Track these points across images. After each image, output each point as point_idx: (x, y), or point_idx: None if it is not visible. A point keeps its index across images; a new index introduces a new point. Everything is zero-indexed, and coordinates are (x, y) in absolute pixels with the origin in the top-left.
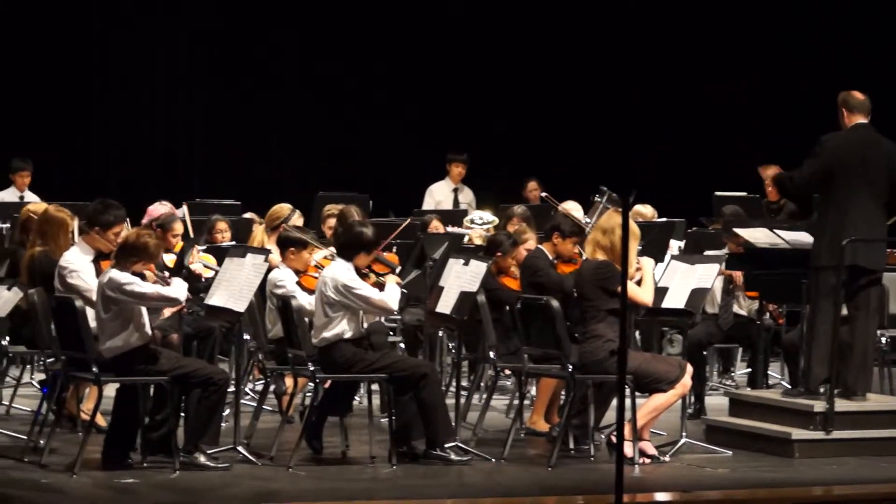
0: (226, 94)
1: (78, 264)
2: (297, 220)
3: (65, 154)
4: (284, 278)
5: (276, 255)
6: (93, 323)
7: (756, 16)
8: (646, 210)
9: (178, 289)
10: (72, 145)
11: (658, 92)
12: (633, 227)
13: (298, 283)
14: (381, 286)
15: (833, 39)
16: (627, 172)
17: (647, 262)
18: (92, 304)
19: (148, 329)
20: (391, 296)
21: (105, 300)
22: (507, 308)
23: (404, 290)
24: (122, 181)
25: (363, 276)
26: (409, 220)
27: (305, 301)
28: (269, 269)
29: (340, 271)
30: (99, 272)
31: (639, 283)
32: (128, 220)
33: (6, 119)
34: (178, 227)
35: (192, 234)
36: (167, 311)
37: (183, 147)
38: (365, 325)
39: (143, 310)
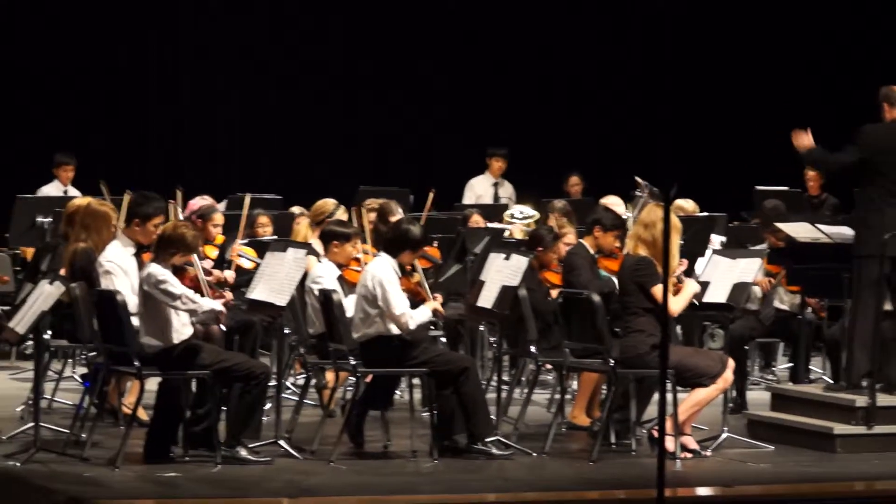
0: (267, 89)
1: (117, 264)
2: (342, 215)
3: (107, 149)
4: (325, 273)
5: (319, 251)
6: (136, 321)
7: (799, 8)
8: (687, 204)
9: (209, 302)
10: (114, 140)
11: (700, 86)
12: (675, 221)
13: (341, 278)
14: (418, 294)
15: (875, 33)
16: (669, 166)
17: (691, 284)
18: (126, 306)
19: (189, 324)
20: (415, 316)
21: (147, 295)
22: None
23: (436, 320)
24: (163, 176)
25: (407, 274)
26: (432, 194)
27: (345, 296)
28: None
29: (383, 267)
30: (141, 265)
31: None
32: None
33: (50, 114)
34: (219, 218)
35: (241, 228)
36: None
37: (224, 142)
38: None
39: None
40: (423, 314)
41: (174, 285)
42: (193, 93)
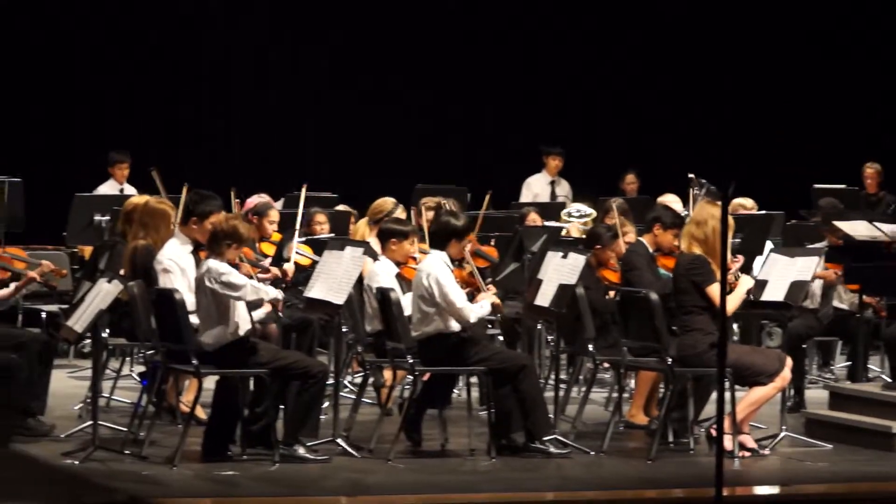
0: (326, 89)
1: (175, 262)
2: (400, 213)
3: (165, 147)
4: (382, 271)
5: (376, 249)
6: (194, 319)
7: (859, 7)
8: (748, 202)
9: (269, 290)
10: (171, 138)
11: (758, 84)
12: (728, 220)
13: (398, 276)
14: (475, 287)
15: None
16: (727, 165)
17: (745, 281)
18: (183, 304)
19: (248, 321)
20: (475, 309)
21: (205, 291)
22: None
23: (494, 317)
24: (220, 174)
25: (459, 267)
26: (489, 196)
27: (403, 294)
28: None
29: (436, 264)
30: (198, 263)
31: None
32: None
33: (106, 111)
34: (274, 215)
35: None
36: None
37: (281, 140)
38: None
39: (242, 301)
40: (483, 308)
41: (236, 276)
42: (248, 92)
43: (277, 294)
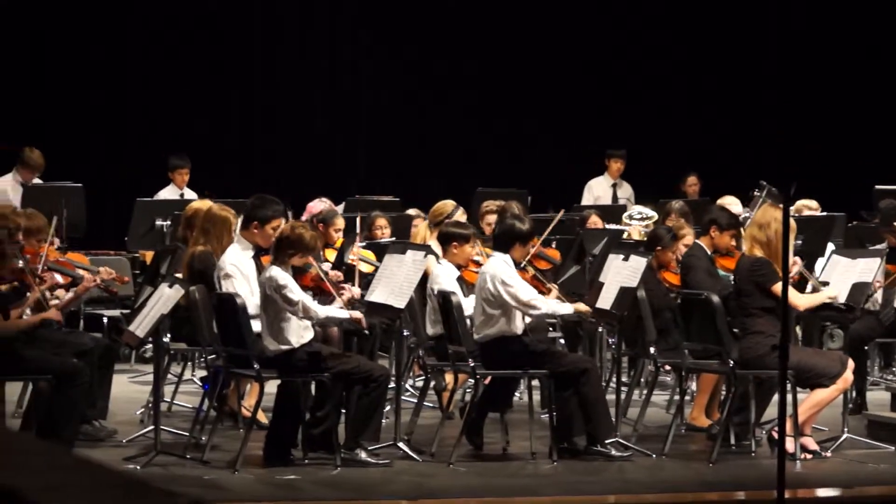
0: (385, 92)
1: (237, 268)
2: (461, 216)
3: (224, 151)
4: (444, 274)
5: (433, 258)
6: (255, 324)
7: None
8: (812, 203)
9: (327, 311)
10: (230, 142)
11: (819, 84)
12: (790, 222)
13: (460, 279)
14: (540, 290)
15: None
16: (788, 166)
17: (829, 290)
18: (245, 309)
19: (309, 328)
20: (549, 305)
21: (267, 297)
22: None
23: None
24: (281, 178)
25: (521, 270)
26: (560, 213)
27: (466, 303)
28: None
29: (499, 266)
30: (259, 267)
31: (797, 285)
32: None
33: (167, 117)
34: (340, 223)
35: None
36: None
37: (342, 144)
38: (526, 321)
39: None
40: (563, 307)
41: (293, 291)
42: (311, 95)
43: (339, 314)
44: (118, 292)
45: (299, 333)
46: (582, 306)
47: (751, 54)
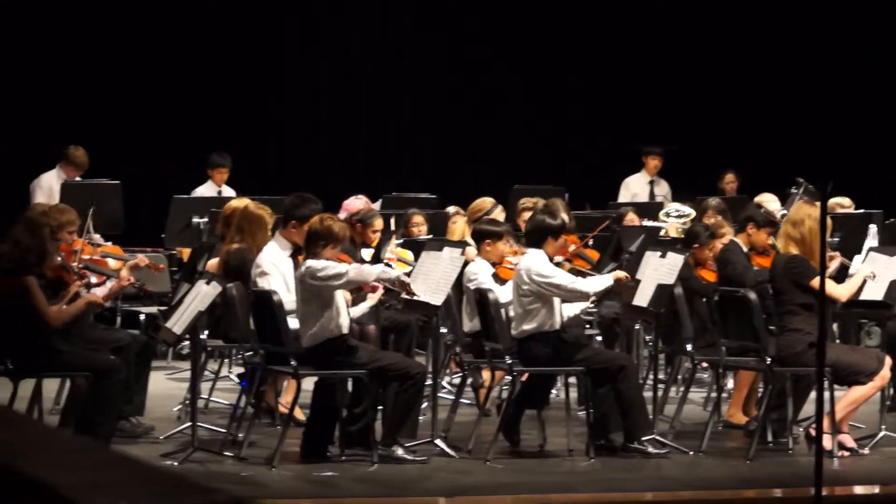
0: (422, 90)
1: (274, 265)
2: (499, 214)
3: (261, 149)
4: (479, 271)
5: (473, 249)
6: (292, 321)
7: None
8: (845, 201)
9: (376, 269)
10: (268, 141)
11: (856, 82)
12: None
13: (494, 275)
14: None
15: None
16: (825, 163)
17: (863, 269)
18: (282, 306)
19: (346, 319)
20: (592, 283)
21: (304, 291)
22: (703, 299)
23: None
24: (317, 176)
25: (557, 265)
26: (607, 223)
27: (501, 293)
28: (465, 263)
29: (533, 260)
30: (297, 266)
31: (836, 276)
32: None
33: (205, 115)
34: (379, 223)
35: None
36: (370, 299)
37: (379, 142)
38: (564, 317)
39: (341, 299)
40: (605, 280)
41: (334, 266)
42: (350, 93)
43: (380, 272)
44: (150, 290)
45: (338, 325)
46: (620, 273)
47: (789, 53)
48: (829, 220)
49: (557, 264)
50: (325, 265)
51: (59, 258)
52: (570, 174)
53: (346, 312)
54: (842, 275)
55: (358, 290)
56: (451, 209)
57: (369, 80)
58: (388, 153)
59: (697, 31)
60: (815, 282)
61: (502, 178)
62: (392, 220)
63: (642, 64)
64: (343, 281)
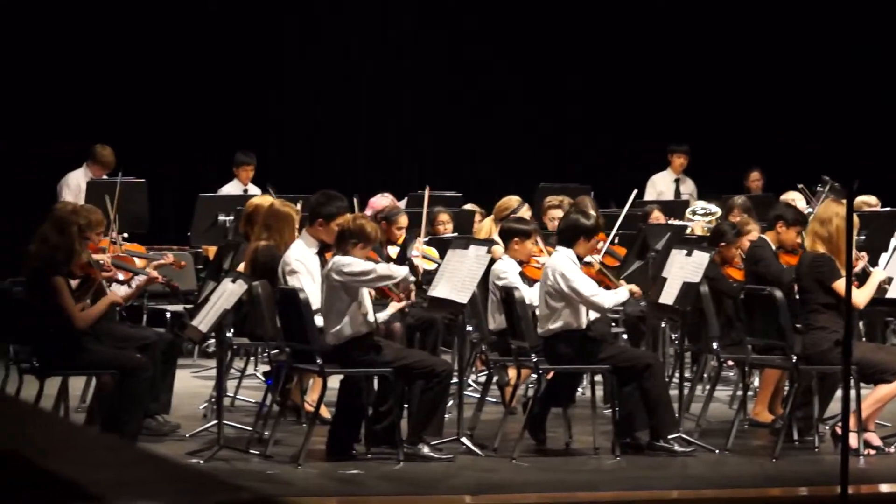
0: (444, 88)
1: (302, 262)
2: (525, 212)
3: (286, 146)
4: (507, 269)
5: (499, 248)
6: (318, 319)
7: None
8: (871, 199)
9: (399, 269)
10: (293, 139)
11: (883, 79)
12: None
13: (521, 274)
14: (606, 285)
15: None
16: (851, 161)
17: (879, 271)
18: (308, 304)
19: (371, 317)
20: (609, 296)
21: (330, 288)
22: (731, 300)
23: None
24: (343, 174)
25: (586, 265)
26: (628, 205)
27: (527, 292)
28: (493, 261)
29: (561, 260)
30: (324, 264)
31: (859, 278)
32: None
33: (230, 113)
34: (403, 221)
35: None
36: (392, 307)
37: (405, 139)
38: (590, 316)
39: (367, 297)
40: (620, 294)
41: (361, 264)
42: (374, 91)
43: (405, 271)
44: (179, 287)
45: (360, 325)
46: (634, 287)
47: (814, 50)
48: (856, 219)
49: (587, 262)
50: (351, 261)
51: (87, 255)
52: (596, 172)
53: (372, 311)
54: (860, 279)
55: (382, 295)
56: (468, 207)
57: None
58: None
59: (726, 26)
60: (838, 284)
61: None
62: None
63: (668, 60)
64: (370, 278)
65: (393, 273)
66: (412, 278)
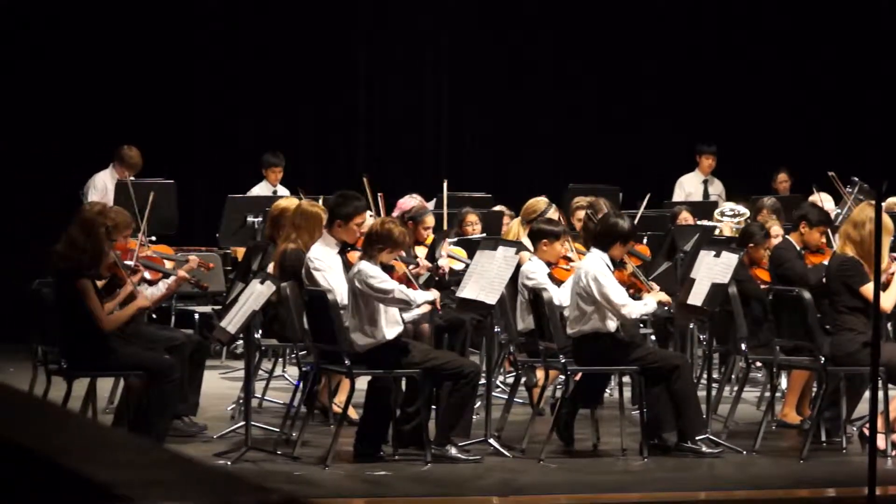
0: (475, 88)
1: (324, 261)
2: (553, 213)
3: (315, 149)
4: (536, 270)
5: (527, 253)
6: (345, 317)
7: None
8: None
9: (421, 295)
10: (321, 140)
11: None
12: (886, 221)
13: (550, 276)
14: (638, 288)
15: None
16: (881, 163)
17: None
18: (336, 305)
19: (399, 323)
20: (637, 307)
21: (356, 293)
22: (759, 301)
23: (666, 309)
24: (371, 175)
25: (619, 267)
26: (646, 199)
27: (556, 293)
28: (518, 265)
29: (595, 263)
30: (345, 263)
31: (886, 284)
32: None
33: (259, 115)
34: (430, 221)
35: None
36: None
37: (432, 140)
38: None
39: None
40: (648, 305)
41: (385, 280)
42: (401, 90)
43: (427, 297)
44: (209, 287)
45: (389, 328)
46: (663, 296)
47: (842, 48)
48: (889, 223)
49: (618, 264)
50: (376, 274)
51: (114, 256)
52: (624, 173)
53: (398, 315)
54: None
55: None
56: (498, 209)
57: (419, 76)
58: (443, 152)
59: (752, 28)
60: (865, 288)
61: (557, 177)
62: (452, 220)
63: (689, 61)
64: (387, 297)
65: (410, 299)
66: (432, 297)
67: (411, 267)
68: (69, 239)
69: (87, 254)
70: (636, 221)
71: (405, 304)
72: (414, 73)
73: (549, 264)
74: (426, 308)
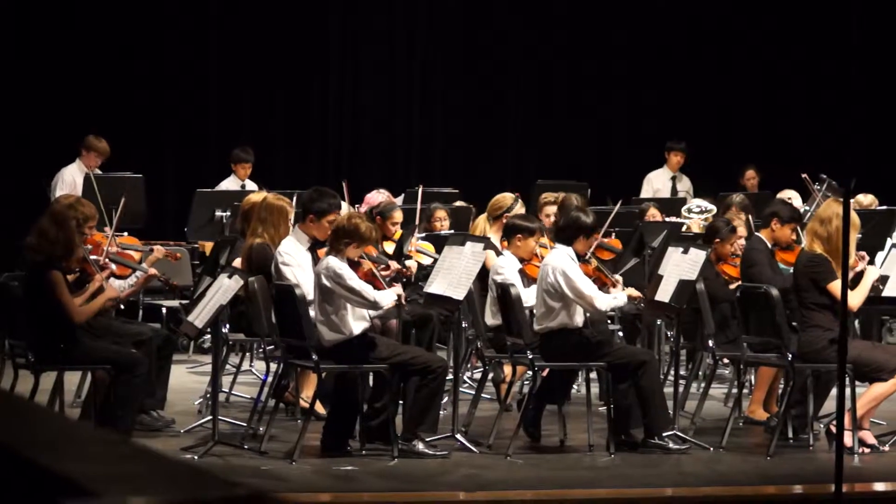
0: (446, 85)
1: (294, 257)
2: (520, 209)
3: (284, 142)
4: (506, 266)
5: (493, 253)
6: (312, 312)
7: None
8: (865, 199)
9: (387, 296)
10: (291, 133)
11: (881, 78)
12: (853, 218)
13: (521, 271)
14: (603, 282)
15: None
16: (848, 160)
17: (872, 270)
18: (304, 300)
19: (366, 316)
20: (607, 299)
21: (323, 288)
22: (726, 298)
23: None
24: (339, 170)
25: (584, 262)
26: (617, 206)
27: (524, 293)
28: (485, 265)
29: (561, 258)
30: (316, 260)
31: (854, 281)
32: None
33: (228, 110)
34: (398, 216)
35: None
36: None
37: (401, 136)
38: (587, 314)
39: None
40: (618, 299)
41: (351, 279)
42: (371, 87)
43: (391, 297)
44: (177, 285)
45: (355, 323)
46: (633, 291)
47: (817, 47)
48: (857, 219)
49: (583, 258)
50: (344, 272)
51: (84, 251)
52: (592, 169)
53: (364, 313)
54: (854, 280)
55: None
56: (459, 204)
57: (392, 74)
58: (412, 147)
59: (731, 25)
60: (832, 285)
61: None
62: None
63: (664, 59)
64: (354, 298)
65: (379, 302)
66: (396, 294)
67: (380, 267)
68: (40, 231)
69: (58, 245)
70: (608, 222)
71: (371, 306)
72: (385, 69)
73: (521, 260)
74: (392, 304)
